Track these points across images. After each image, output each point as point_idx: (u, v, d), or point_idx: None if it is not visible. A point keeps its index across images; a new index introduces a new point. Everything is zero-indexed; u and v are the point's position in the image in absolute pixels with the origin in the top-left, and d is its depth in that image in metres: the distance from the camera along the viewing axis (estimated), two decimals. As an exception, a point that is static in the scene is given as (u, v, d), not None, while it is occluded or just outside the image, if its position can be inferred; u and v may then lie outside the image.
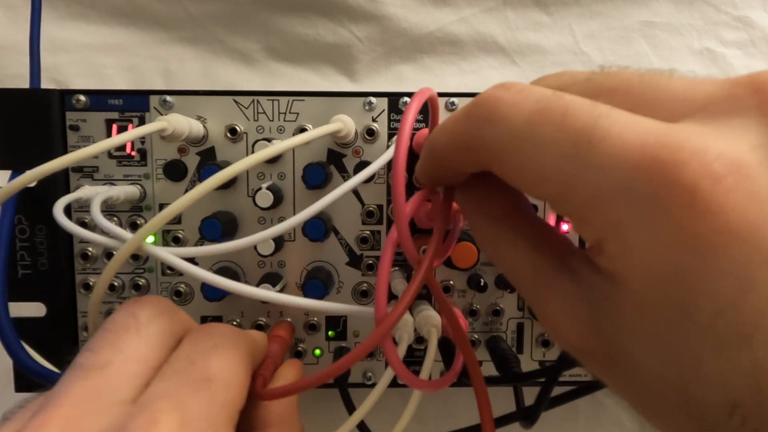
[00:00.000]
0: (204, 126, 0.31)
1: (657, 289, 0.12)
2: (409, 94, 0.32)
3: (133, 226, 0.32)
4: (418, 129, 0.31)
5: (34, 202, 0.31)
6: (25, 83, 0.32)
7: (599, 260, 0.14)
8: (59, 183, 0.31)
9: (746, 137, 0.12)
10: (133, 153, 0.32)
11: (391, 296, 0.33)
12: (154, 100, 0.31)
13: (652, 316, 0.13)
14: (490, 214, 0.18)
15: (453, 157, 0.17)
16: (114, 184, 0.32)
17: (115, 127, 0.32)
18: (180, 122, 0.29)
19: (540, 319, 0.16)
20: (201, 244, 0.32)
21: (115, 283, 0.32)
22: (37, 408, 0.16)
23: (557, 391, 0.30)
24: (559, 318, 0.15)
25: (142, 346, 0.18)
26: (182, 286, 0.33)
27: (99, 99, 0.31)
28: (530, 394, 0.31)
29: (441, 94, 0.31)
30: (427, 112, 0.31)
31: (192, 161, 0.32)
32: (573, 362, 0.29)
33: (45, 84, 0.34)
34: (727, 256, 0.11)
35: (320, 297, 0.30)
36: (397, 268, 0.33)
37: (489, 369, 0.33)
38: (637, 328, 0.13)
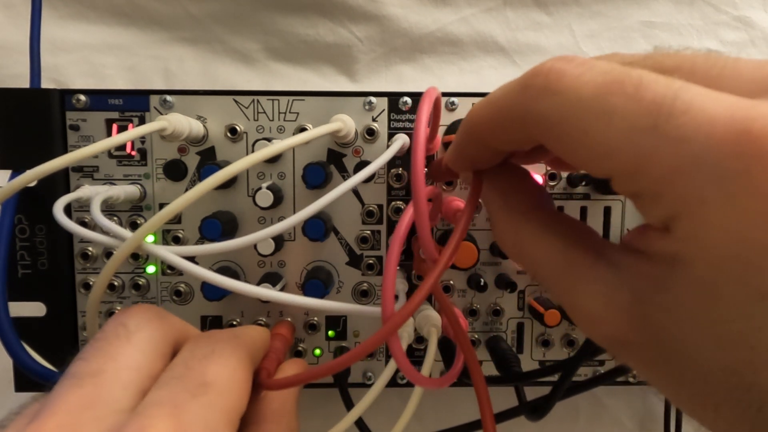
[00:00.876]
0: (204, 126, 0.31)
1: (732, 270, 0.12)
2: (409, 94, 0.32)
3: (133, 226, 0.32)
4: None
5: (34, 202, 0.31)
6: (25, 83, 0.32)
7: (658, 243, 0.14)
8: (59, 183, 0.31)
9: None
10: (133, 153, 0.32)
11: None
12: (154, 100, 0.31)
13: (720, 301, 0.12)
14: (516, 208, 0.18)
15: (498, 132, 0.17)
16: (114, 184, 0.32)
17: (115, 126, 0.32)
18: (180, 122, 0.29)
19: (573, 312, 0.16)
20: (201, 244, 0.32)
21: (115, 283, 0.32)
22: (32, 416, 0.16)
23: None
24: (597, 309, 0.15)
25: (135, 354, 0.18)
26: (182, 285, 0.33)
27: (99, 99, 0.31)
28: (530, 393, 0.31)
29: (441, 94, 0.31)
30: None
31: (192, 161, 0.32)
32: (592, 354, 0.28)
33: (45, 84, 0.34)
34: None
35: (320, 297, 0.30)
36: (397, 267, 0.33)
37: (489, 369, 0.33)
38: (700, 314, 0.13)
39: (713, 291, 0.12)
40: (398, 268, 0.33)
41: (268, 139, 0.32)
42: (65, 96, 0.31)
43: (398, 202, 0.32)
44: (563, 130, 0.14)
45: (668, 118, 0.12)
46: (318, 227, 0.30)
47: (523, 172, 0.20)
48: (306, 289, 0.31)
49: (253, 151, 0.30)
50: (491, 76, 0.43)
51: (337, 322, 0.34)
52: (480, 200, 0.20)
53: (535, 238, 0.17)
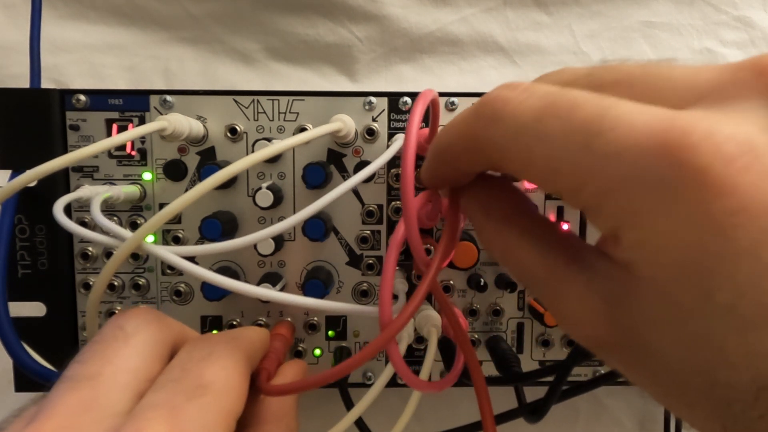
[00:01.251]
0: (204, 126, 0.31)
1: (676, 274, 0.12)
2: (409, 94, 0.32)
3: (133, 226, 0.32)
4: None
5: (34, 202, 0.31)
6: (25, 83, 0.32)
7: (614, 251, 0.14)
8: (59, 183, 0.31)
9: (755, 119, 0.12)
10: (133, 153, 0.32)
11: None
12: (154, 100, 0.31)
13: (672, 302, 0.13)
14: (496, 216, 0.18)
15: (460, 157, 0.18)
16: (114, 184, 0.32)
17: (115, 126, 0.32)
18: (180, 122, 0.29)
19: (556, 316, 0.16)
20: (201, 244, 0.32)
21: (115, 283, 0.32)
22: (29, 419, 0.16)
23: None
24: (576, 313, 0.15)
25: (132, 356, 0.18)
26: (182, 285, 0.33)
27: (99, 99, 0.31)
28: (530, 393, 0.31)
29: (441, 94, 0.31)
30: (427, 112, 0.31)
31: (192, 161, 0.32)
32: (584, 356, 0.29)
33: (45, 84, 0.34)
34: (744, 236, 0.11)
35: (320, 297, 0.30)
36: (397, 267, 0.33)
37: (489, 369, 0.33)
38: (658, 316, 0.13)
39: (667, 294, 0.13)
40: (398, 268, 0.33)
41: (268, 139, 0.32)
42: (65, 96, 0.31)
43: (398, 202, 0.32)
44: (511, 155, 0.15)
45: (597, 136, 0.13)
46: (318, 227, 0.30)
47: (499, 180, 0.20)
48: (306, 289, 0.31)
49: (253, 151, 0.30)
50: (491, 76, 0.43)
51: (337, 322, 0.34)
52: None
53: (517, 245, 0.17)
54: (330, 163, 0.32)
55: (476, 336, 0.34)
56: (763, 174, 0.11)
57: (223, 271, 0.32)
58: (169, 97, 0.31)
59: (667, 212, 0.12)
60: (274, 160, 0.32)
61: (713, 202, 0.11)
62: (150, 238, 0.31)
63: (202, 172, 0.30)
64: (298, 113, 0.32)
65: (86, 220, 0.32)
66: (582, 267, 0.15)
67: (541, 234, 0.17)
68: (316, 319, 0.33)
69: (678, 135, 0.12)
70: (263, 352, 0.24)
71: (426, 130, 0.29)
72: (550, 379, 0.30)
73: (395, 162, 0.32)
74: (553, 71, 0.18)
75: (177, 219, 0.32)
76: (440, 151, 0.19)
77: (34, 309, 0.32)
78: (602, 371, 0.35)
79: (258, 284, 0.31)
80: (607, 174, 0.13)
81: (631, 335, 0.14)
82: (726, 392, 0.12)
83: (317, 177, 0.30)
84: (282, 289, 0.32)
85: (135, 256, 0.32)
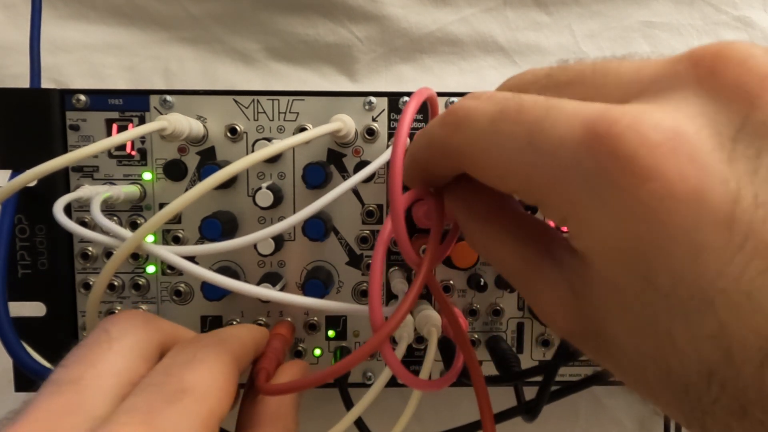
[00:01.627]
0: (204, 126, 0.31)
1: (618, 262, 0.13)
2: (409, 94, 0.32)
3: (133, 226, 0.32)
4: (417, 129, 0.31)
5: (34, 202, 0.31)
6: (25, 83, 0.32)
7: (571, 242, 0.15)
8: (59, 183, 0.31)
9: (684, 108, 0.12)
10: (133, 153, 0.32)
11: (391, 296, 0.33)
12: (154, 100, 0.31)
13: (619, 291, 0.13)
14: (477, 214, 0.19)
15: (433, 162, 0.18)
16: (114, 184, 0.32)
17: (115, 126, 0.32)
18: (180, 122, 0.29)
19: (534, 308, 0.17)
20: (201, 244, 0.32)
21: (115, 283, 0.32)
22: (12, 423, 0.16)
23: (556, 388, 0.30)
24: (549, 305, 0.16)
25: (116, 360, 0.18)
26: (182, 285, 0.33)
27: (99, 99, 0.31)
28: (530, 392, 0.31)
29: (441, 94, 0.31)
30: (426, 111, 0.31)
31: (192, 161, 0.32)
32: (571, 356, 0.29)
33: (45, 84, 0.34)
34: (675, 222, 0.11)
35: (320, 297, 0.30)
36: (396, 267, 0.33)
37: (489, 369, 0.33)
38: (611, 305, 0.13)
39: (613, 283, 0.13)
40: (397, 268, 0.33)
41: (268, 139, 0.32)
42: (65, 96, 0.31)
43: (398, 202, 0.32)
44: (473, 159, 0.16)
45: (539, 135, 0.14)
46: (318, 227, 0.30)
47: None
48: (306, 289, 0.31)
49: (253, 151, 0.30)
50: (491, 76, 0.43)
51: (337, 322, 0.34)
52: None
53: (497, 241, 0.18)
54: (330, 163, 0.32)
55: (476, 336, 0.34)
56: (690, 159, 0.11)
57: (223, 271, 0.32)
58: (169, 97, 0.31)
59: (601, 201, 0.12)
60: (274, 160, 0.32)
61: (641, 188, 0.12)
62: (150, 238, 0.31)
63: (202, 172, 0.30)
64: (298, 113, 0.32)
65: (86, 220, 0.32)
66: (554, 260, 0.16)
67: (520, 229, 0.18)
68: (316, 319, 0.33)
69: (606, 126, 0.12)
70: (256, 350, 0.23)
71: (408, 130, 0.29)
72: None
73: (395, 162, 0.32)
74: (517, 74, 0.18)
75: (177, 219, 0.32)
76: (415, 158, 0.19)
77: (34, 309, 0.32)
78: (600, 369, 0.35)
79: (258, 284, 0.31)
80: (549, 169, 0.13)
81: (595, 325, 0.14)
82: (680, 379, 0.12)
83: (317, 177, 0.30)
84: (282, 289, 0.32)
85: (135, 255, 0.32)
